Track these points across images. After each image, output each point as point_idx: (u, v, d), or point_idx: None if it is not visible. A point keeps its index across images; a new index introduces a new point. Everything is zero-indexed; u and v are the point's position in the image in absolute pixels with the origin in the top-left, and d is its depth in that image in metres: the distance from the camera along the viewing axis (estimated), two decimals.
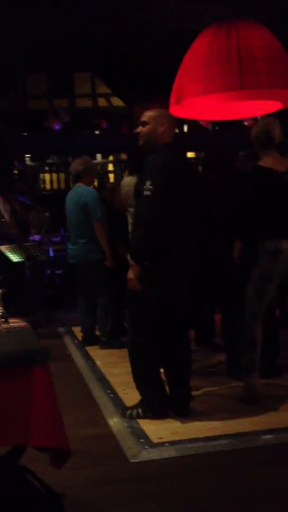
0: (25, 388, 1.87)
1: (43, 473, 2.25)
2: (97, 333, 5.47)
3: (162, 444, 3.00)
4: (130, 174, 4.71)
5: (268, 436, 3.05)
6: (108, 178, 12.88)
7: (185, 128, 12.29)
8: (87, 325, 5.50)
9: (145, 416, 3.34)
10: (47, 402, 1.92)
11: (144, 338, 3.34)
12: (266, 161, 3.53)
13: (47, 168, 12.40)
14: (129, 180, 4.39)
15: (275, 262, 3.42)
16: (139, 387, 3.43)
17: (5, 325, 2.28)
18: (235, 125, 9.37)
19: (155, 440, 3.05)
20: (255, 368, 3.53)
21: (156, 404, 3.35)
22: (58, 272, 8.13)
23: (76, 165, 5.40)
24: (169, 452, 2.92)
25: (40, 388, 1.91)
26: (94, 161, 12.41)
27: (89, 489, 2.62)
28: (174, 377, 3.43)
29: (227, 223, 3.95)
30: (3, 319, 2.32)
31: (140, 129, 3.37)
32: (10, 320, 2.37)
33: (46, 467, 2.21)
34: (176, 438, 3.06)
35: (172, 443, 3.00)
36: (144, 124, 3.36)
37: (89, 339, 5.45)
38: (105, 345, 5.26)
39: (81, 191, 5.26)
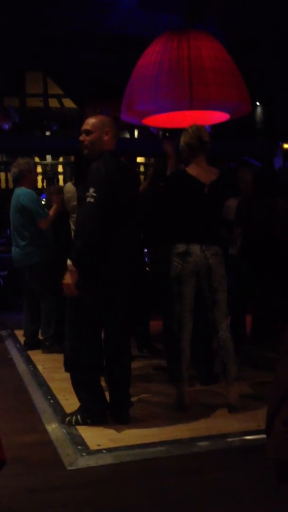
0: None
1: None
2: (40, 337, 5.44)
3: (99, 451, 3.02)
4: (75, 180, 4.71)
5: (204, 443, 3.12)
6: (58, 180, 12.79)
7: (136, 133, 12.37)
8: (29, 329, 5.46)
9: (84, 423, 3.35)
10: None
11: (83, 344, 3.35)
12: (193, 169, 3.61)
13: None
14: (69, 187, 4.39)
15: (185, 264, 3.52)
16: (78, 394, 3.43)
17: None
18: None
19: (93, 447, 3.06)
20: (182, 377, 3.58)
21: (95, 411, 3.37)
22: (3, 274, 8.04)
23: (13, 167, 5.38)
24: (106, 459, 2.94)
25: None
26: (43, 162, 12.32)
27: (26, 496, 2.61)
28: (114, 384, 3.46)
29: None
30: None
31: (83, 137, 3.37)
32: None
33: None
34: (114, 445, 3.08)
35: (110, 450, 3.03)
36: (88, 132, 3.34)
37: (32, 343, 5.42)
38: (47, 349, 5.24)
39: (19, 193, 5.25)
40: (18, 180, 5.34)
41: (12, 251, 5.41)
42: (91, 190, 3.14)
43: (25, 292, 5.49)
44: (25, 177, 5.31)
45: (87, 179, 3.23)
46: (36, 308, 5.38)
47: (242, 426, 3.32)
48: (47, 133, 11.84)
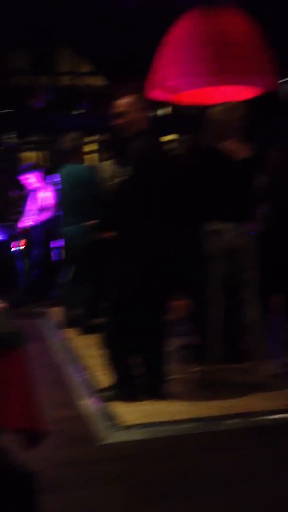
0: (1, 371, 1.92)
1: (16, 453, 2.32)
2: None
3: (131, 426, 3.09)
4: (110, 158, 4.71)
5: (233, 421, 3.17)
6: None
7: (166, 110, 12.24)
8: (71, 307, 5.46)
9: (117, 398, 3.43)
10: (23, 384, 1.97)
11: (120, 320, 3.41)
12: (226, 146, 3.57)
13: (27, 146, 12.26)
14: (106, 166, 4.41)
15: (218, 242, 3.51)
16: (113, 369, 3.50)
17: None
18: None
19: (125, 422, 3.13)
20: (212, 355, 3.60)
21: (129, 387, 3.44)
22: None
23: (65, 142, 5.24)
24: (138, 435, 3.01)
25: (16, 371, 1.95)
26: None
27: (59, 470, 2.69)
28: (149, 360, 3.51)
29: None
30: None
31: (117, 120, 3.38)
32: None
33: (20, 446, 2.28)
34: (146, 420, 3.15)
35: (141, 425, 3.10)
36: (121, 114, 3.36)
37: (71, 321, 5.41)
38: (85, 328, 5.22)
39: (81, 168, 5.11)
40: (69, 155, 5.20)
41: (66, 229, 5.24)
42: (128, 168, 3.19)
43: (70, 271, 5.44)
44: (78, 153, 5.21)
45: (125, 159, 3.27)
46: (78, 287, 5.34)
47: (270, 405, 3.34)
48: (77, 112, 11.83)
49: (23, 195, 7.07)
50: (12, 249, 6.90)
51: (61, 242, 5.83)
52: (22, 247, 6.88)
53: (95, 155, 12.81)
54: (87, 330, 5.20)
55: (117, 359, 3.47)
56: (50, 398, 3.55)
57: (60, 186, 5.42)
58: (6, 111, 10.51)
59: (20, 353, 1.99)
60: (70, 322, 5.45)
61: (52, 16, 10.31)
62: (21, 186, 7.17)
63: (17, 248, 7.05)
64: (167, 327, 3.61)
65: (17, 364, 1.97)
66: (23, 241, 6.75)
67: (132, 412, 3.27)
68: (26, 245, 6.85)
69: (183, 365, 4.14)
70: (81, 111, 11.87)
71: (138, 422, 3.14)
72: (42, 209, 6.94)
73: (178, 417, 3.20)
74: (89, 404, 3.47)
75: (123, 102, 3.38)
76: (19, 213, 7.06)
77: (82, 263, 5.24)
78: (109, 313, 3.52)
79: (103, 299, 3.73)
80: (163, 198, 3.33)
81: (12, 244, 6.87)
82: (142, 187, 3.22)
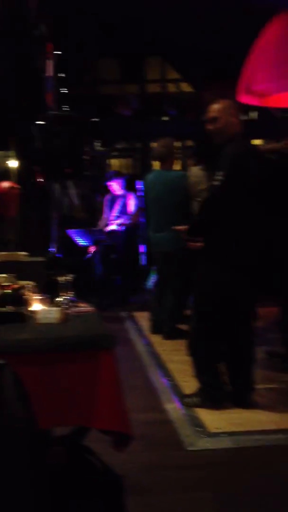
0: (92, 372, 1.95)
1: (103, 455, 2.34)
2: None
3: (218, 434, 3.05)
4: (198, 164, 4.69)
5: None
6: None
7: (252, 115, 12.07)
8: (156, 312, 5.47)
9: (202, 405, 3.39)
10: (112, 386, 1.99)
11: (208, 327, 3.37)
12: None
13: (114, 154, 12.51)
14: (195, 171, 4.39)
15: None
16: (198, 376, 3.47)
17: (74, 309, 2.36)
18: None
19: (212, 429, 3.10)
20: None
21: (214, 395, 3.39)
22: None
23: (160, 147, 5.20)
24: (225, 443, 2.96)
25: (106, 373, 1.98)
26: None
27: (146, 473, 2.70)
28: (236, 368, 3.46)
29: None
30: (73, 304, 2.40)
31: (211, 126, 3.35)
32: (79, 305, 2.46)
33: (106, 448, 2.30)
34: (233, 429, 3.10)
35: (229, 434, 3.05)
36: (214, 120, 3.33)
37: (156, 326, 5.42)
38: (169, 333, 5.23)
39: (176, 175, 5.08)
40: (164, 160, 5.20)
41: (153, 235, 5.27)
42: (220, 173, 3.16)
43: (158, 277, 5.42)
44: (172, 158, 5.21)
45: (217, 164, 3.24)
46: (165, 293, 5.33)
47: None
48: (164, 118, 11.93)
49: (109, 201, 7.22)
50: (96, 254, 7.03)
51: (146, 248, 5.88)
52: (105, 252, 7.00)
53: (180, 161, 12.83)
54: (172, 335, 5.19)
55: (202, 366, 3.44)
56: (136, 402, 3.57)
57: (146, 192, 5.47)
58: (95, 119, 10.77)
59: (111, 355, 2.01)
60: (155, 327, 5.47)
61: (140, 24, 10.47)
62: (107, 193, 7.33)
63: (100, 253, 7.18)
64: (256, 335, 3.53)
65: (108, 366, 1.99)
66: (106, 246, 6.88)
67: (218, 420, 3.23)
68: (109, 250, 6.96)
69: (271, 374, 4.04)
70: (166, 118, 11.96)
71: (225, 430, 3.09)
72: (126, 215, 7.05)
73: (267, 427, 3.13)
74: (175, 409, 3.45)
75: (216, 107, 3.35)
76: (105, 218, 7.21)
77: (168, 269, 5.23)
78: (196, 319, 3.49)
79: (190, 305, 3.71)
80: (258, 202, 3.26)
81: (96, 248, 6.99)
82: (236, 191, 3.17)
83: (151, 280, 5.88)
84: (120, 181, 7.19)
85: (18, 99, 4.58)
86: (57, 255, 6.79)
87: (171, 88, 12.72)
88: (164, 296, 5.35)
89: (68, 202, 7.93)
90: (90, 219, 8.43)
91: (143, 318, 6.08)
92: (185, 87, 12.52)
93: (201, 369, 3.45)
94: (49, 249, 7.08)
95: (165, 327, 5.31)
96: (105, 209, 7.25)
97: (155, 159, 5.38)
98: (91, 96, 12.06)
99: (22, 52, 4.26)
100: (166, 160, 5.19)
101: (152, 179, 5.33)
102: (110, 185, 7.19)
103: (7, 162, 6.60)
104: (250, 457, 2.85)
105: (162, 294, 5.38)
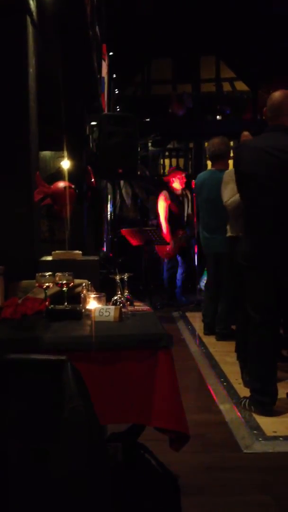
0: (150, 371, 1.94)
1: (158, 453, 2.33)
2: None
3: (276, 437, 2.98)
4: None
5: None
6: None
7: None
8: (209, 314, 5.42)
9: (250, 410, 3.31)
10: (169, 385, 1.98)
11: (266, 331, 3.30)
12: None
13: (167, 154, 12.50)
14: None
15: None
16: (249, 382, 3.41)
17: (130, 308, 2.35)
18: None
19: (269, 433, 3.03)
20: None
21: (263, 402, 3.28)
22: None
23: (217, 145, 5.10)
24: (283, 446, 2.89)
25: (163, 372, 1.97)
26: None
27: (202, 473, 2.67)
28: None
29: None
30: (129, 302, 2.40)
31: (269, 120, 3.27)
32: (135, 303, 2.45)
33: (161, 447, 2.28)
34: None
35: (287, 437, 2.97)
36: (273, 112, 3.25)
37: (210, 327, 5.39)
38: (222, 335, 5.19)
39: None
40: (217, 160, 5.13)
41: (205, 236, 5.25)
42: None
43: (213, 279, 5.35)
44: (226, 158, 5.15)
45: None
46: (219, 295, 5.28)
47: None
48: (218, 117, 11.83)
49: (164, 201, 7.15)
50: (153, 255, 7.02)
51: (200, 249, 5.82)
52: (162, 253, 6.97)
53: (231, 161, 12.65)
54: (224, 336, 5.13)
55: (255, 370, 3.36)
56: (191, 402, 3.55)
57: (198, 193, 5.41)
58: (148, 119, 10.79)
59: (168, 354, 1.99)
60: (207, 328, 5.42)
61: (195, 24, 10.43)
62: (160, 192, 7.27)
63: (156, 254, 7.17)
64: None
65: (165, 365, 1.98)
66: (163, 247, 6.83)
67: (275, 423, 3.16)
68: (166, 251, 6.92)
69: None
70: (220, 117, 11.86)
71: (283, 434, 3.02)
72: (181, 216, 6.98)
73: None
74: (230, 410, 3.40)
75: (277, 98, 3.26)
76: (159, 218, 7.16)
77: (221, 270, 5.18)
78: (250, 323, 3.42)
79: (242, 308, 3.63)
80: None
81: (152, 249, 6.98)
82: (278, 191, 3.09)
83: (204, 280, 5.82)
84: (181, 176, 6.90)
85: (73, 100, 4.62)
86: (109, 254, 6.84)
87: (226, 87, 12.62)
88: (217, 297, 5.30)
89: (121, 202, 7.96)
90: (142, 218, 8.45)
91: (196, 319, 6.04)
92: (240, 86, 12.39)
93: (253, 374, 3.36)
94: (102, 249, 7.14)
95: (217, 328, 5.26)
96: (162, 209, 7.05)
97: (210, 158, 5.31)
98: (144, 96, 12.10)
99: (78, 53, 4.29)
100: (220, 159, 5.13)
101: (203, 178, 5.27)
102: (171, 180, 6.93)
103: (61, 162, 6.68)
104: None
105: (214, 295, 5.34)
